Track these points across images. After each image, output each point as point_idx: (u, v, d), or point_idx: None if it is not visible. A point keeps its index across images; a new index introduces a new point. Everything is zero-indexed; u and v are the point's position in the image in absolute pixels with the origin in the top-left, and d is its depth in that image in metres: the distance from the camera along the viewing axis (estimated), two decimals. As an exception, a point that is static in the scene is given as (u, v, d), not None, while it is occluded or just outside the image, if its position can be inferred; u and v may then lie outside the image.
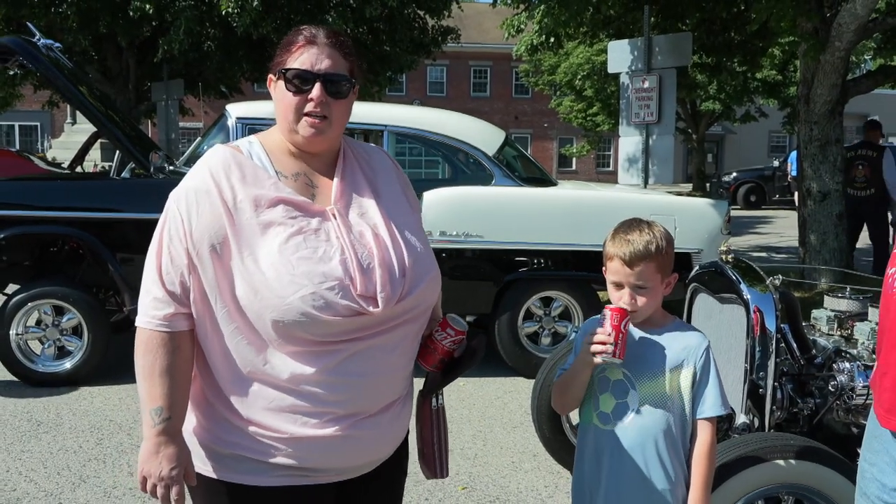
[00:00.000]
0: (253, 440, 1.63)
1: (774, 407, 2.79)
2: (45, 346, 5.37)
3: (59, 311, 5.33)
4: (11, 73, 15.09)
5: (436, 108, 6.93)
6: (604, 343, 1.91)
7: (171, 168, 5.65)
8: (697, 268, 3.30)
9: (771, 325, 2.77)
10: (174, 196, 1.65)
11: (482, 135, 5.99)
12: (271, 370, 1.60)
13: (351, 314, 1.58)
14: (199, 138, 6.61)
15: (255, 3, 11.71)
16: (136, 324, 1.65)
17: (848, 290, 3.32)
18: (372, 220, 1.69)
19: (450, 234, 5.36)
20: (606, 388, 2.03)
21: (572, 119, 29.86)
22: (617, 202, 5.98)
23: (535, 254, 5.66)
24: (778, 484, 2.49)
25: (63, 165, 12.82)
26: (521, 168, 6.16)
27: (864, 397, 2.76)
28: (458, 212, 5.44)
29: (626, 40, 9.36)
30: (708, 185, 25.62)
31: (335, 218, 1.66)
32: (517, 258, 5.64)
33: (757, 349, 2.76)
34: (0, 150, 15.07)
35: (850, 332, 3.15)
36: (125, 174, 5.96)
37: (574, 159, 38.76)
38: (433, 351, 1.79)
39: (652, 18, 9.25)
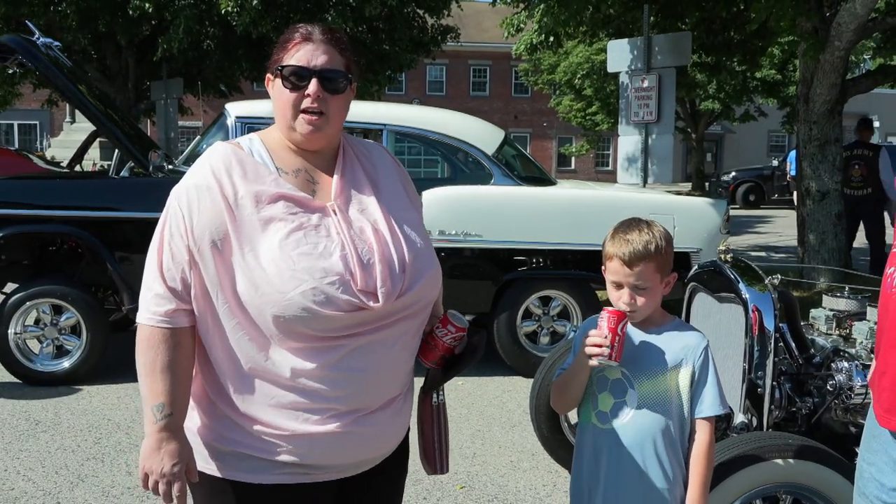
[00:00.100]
0: (254, 437, 1.63)
1: (773, 406, 2.79)
2: (44, 345, 5.36)
3: (57, 311, 5.32)
4: (11, 71, 15.07)
5: (435, 108, 6.93)
6: (599, 346, 1.92)
7: (171, 167, 5.64)
8: (696, 267, 3.30)
9: (769, 325, 2.77)
10: (175, 193, 1.66)
11: (481, 134, 5.99)
12: (272, 366, 1.60)
13: (351, 309, 1.58)
14: (198, 137, 6.61)
15: (255, 1, 11.71)
16: (138, 320, 1.66)
17: (846, 289, 3.32)
18: (372, 216, 1.70)
19: (449, 234, 5.36)
20: (605, 388, 2.03)
21: (571, 118, 29.88)
22: (616, 201, 5.98)
23: (534, 253, 5.65)
24: (776, 483, 2.49)
25: (62, 164, 12.81)
26: (520, 167, 6.16)
27: (863, 396, 2.76)
28: (457, 211, 5.44)
29: (625, 39, 9.36)
30: (707, 184, 25.62)
31: (335, 214, 1.67)
32: (516, 257, 5.64)
33: (755, 348, 2.76)
34: (-1, 148, 15.06)
35: (848, 331, 3.15)
36: (124, 173, 5.95)
37: (573, 158, 38.78)
38: (434, 347, 1.79)
39: (651, 18, 9.24)
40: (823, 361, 2.95)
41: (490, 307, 5.60)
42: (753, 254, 12.00)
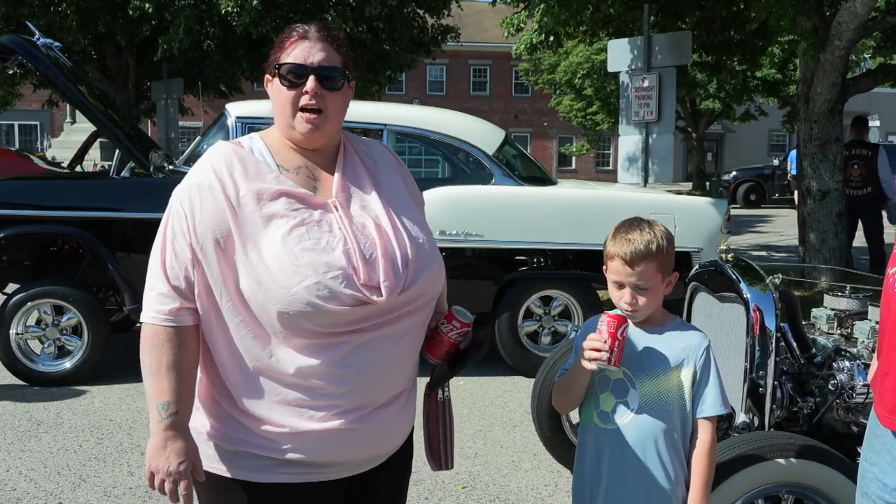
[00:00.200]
0: (259, 436, 1.63)
1: (774, 406, 2.79)
2: (45, 345, 5.36)
3: (58, 311, 5.33)
4: (11, 72, 15.08)
5: (435, 107, 6.92)
6: (598, 350, 1.92)
7: (171, 167, 5.64)
8: (697, 267, 3.29)
9: (771, 324, 2.77)
10: (177, 193, 1.66)
11: (482, 134, 5.99)
12: (277, 364, 1.61)
13: (355, 304, 1.59)
14: (198, 137, 6.60)
15: (255, 2, 11.71)
16: (142, 320, 1.66)
17: (848, 288, 3.32)
18: (374, 211, 1.70)
19: (449, 234, 5.36)
20: (607, 387, 2.03)
21: (572, 118, 29.87)
22: (617, 201, 5.98)
23: (535, 253, 5.66)
24: (778, 483, 2.49)
25: (62, 165, 12.83)
26: (520, 167, 6.16)
27: (865, 396, 2.76)
28: (457, 211, 5.44)
29: (625, 39, 9.36)
30: (708, 183, 25.62)
31: (337, 210, 1.67)
32: (517, 257, 5.64)
33: (757, 348, 2.76)
34: (-1, 149, 15.07)
35: (849, 330, 3.15)
36: (125, 173, 5.96)
37: (574, 158, 38.77)
38: (439, 343, 1.79)
39: (651, 17, 9.24)
40: (825, 361, 2.95)
41: (491, 307, 5.60)
42: (754, 253, 12.00)
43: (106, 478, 3.85)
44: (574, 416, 3.14)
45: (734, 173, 23.79)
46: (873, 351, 2.83)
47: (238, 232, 1.60)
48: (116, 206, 5.38)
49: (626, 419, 2.00)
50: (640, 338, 2.03)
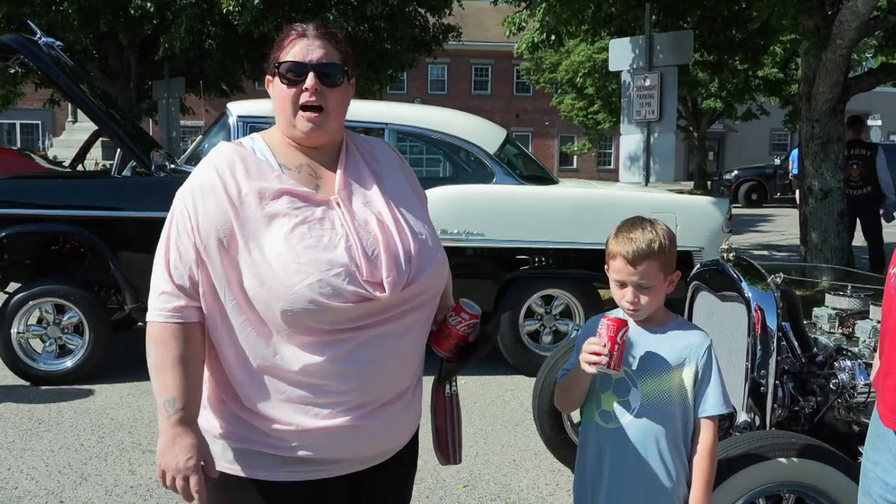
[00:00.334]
0: (265, 434, 1.64)
1: (776, 405, 2.79)
2: (47, 344, 5.37)
3: (60, 310, 5.33)
4: (13, 71, 15.08)
5: (437, 107, 6.92)
6: (598, 354, 1.91)
7: (173, 166, 5.64)
8: (699, 266, 3.29)
9: (772, 324, 2.77)
10: (180, 194, 1.68)
11: (483, 133, 5.98)
12: (281, 361, 1.61)
13: (358, 300, 1.59)
14: (200, 136, 6.60)
15: (256, 1, 11.70)
16: (147, 319, 1.67)
17: (849, 288, 3.31)
18: (376, 208, 1.71)
19: (451, 233, 5.36)
20: (608, 387, 2.03)
21: (573, 117, 29.87)
22: (618, 200, 5.98)
23: (536, 252, 5.65)
24: (779, 482, 2.49)
25: (64, 164, 12.84)
26: (522, 166, 6.16)
27: (866, 395, 2.76)
28: (459, 210, 5.44)
29: (627, 38, 9.35)
30: (709, 183, 25.63)
31: (339, 207, 1.68)
32: (518, 256, 5.64)
33: (758, 347, 2.76)
34: (1, 148, 15.07)
35: (851, 330, 3.15)
36: (126, 172, 5.96)
37: (575, 157, 38.77)
38: (448, 336, 1.79)
39: (653, 16, 9.23)
40: (826, 360, 2.95)
41: (492, 306, 5.60)
42: (756, 252, 12.00)
43: (107, 476, 3.85)
44: (575, 415, 3.14)
45: (736, 172, 23.79)
46: (875, 350, 2.83)
47: (241, 231, 1.60)
48: (118, 206, 5.38)
49: (628, 418, 2.00)
50: (642, 337, 2.03)
